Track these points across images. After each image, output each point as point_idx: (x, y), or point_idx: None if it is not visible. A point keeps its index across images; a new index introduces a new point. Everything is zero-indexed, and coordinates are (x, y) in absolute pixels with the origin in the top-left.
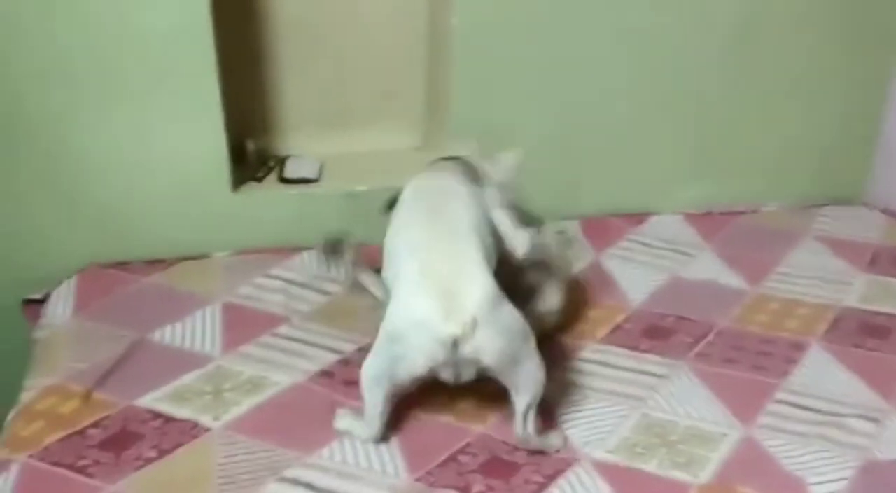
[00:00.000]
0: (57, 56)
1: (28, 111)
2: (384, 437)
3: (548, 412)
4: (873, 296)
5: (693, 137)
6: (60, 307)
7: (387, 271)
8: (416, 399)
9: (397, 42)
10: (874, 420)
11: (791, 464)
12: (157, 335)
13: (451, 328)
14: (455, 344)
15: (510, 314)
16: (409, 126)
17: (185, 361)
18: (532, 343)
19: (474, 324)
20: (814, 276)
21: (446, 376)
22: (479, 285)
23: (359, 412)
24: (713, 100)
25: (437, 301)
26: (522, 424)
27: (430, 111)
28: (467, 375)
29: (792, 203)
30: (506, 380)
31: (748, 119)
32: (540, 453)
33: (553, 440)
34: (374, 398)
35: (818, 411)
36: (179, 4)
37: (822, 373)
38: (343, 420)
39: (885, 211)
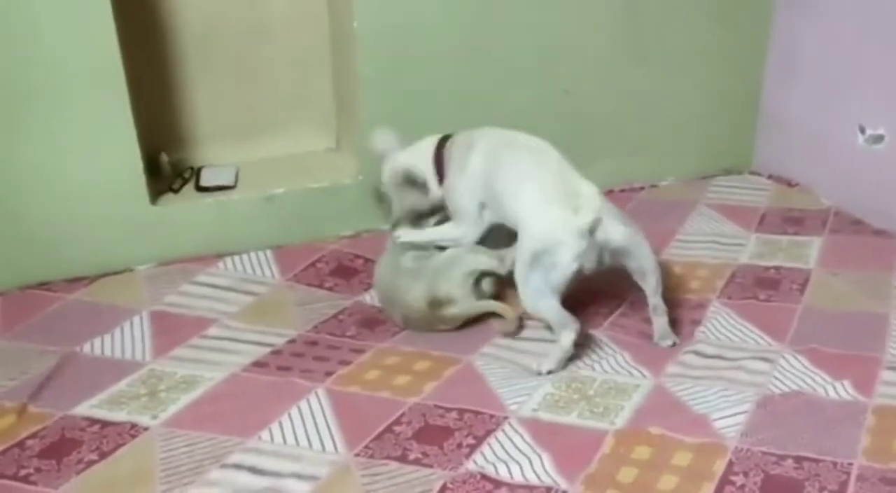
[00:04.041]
0: None
1: None
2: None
3: (474, 374)
4: (764, 253)
5: (591, 124)
6: None
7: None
8: (354, 378)
9: (302, 48)
10: (768, 360)
11: (696, 405)
12: (86, 348)
13: (585, 218)
14: (591, 231)
15: (616, 208)
16: (321, 129)
17: (117, 369)
18: (641, 233)
19: (600, 210)
20: (710, 240)
21: (589, 265)
22: (588, 184)
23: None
24: (606, 88)
25: (565, 205)
26: (661, 316)
27: (340, 113)
28: (605, 260)
29: (687, 176)
30: (632, 263)
31: (641, 102)
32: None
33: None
34: (553, 308)
35: (720, 357)
36: (85, 29)
37: (722, 325)
38: (548, 364)
39: (770, 177)
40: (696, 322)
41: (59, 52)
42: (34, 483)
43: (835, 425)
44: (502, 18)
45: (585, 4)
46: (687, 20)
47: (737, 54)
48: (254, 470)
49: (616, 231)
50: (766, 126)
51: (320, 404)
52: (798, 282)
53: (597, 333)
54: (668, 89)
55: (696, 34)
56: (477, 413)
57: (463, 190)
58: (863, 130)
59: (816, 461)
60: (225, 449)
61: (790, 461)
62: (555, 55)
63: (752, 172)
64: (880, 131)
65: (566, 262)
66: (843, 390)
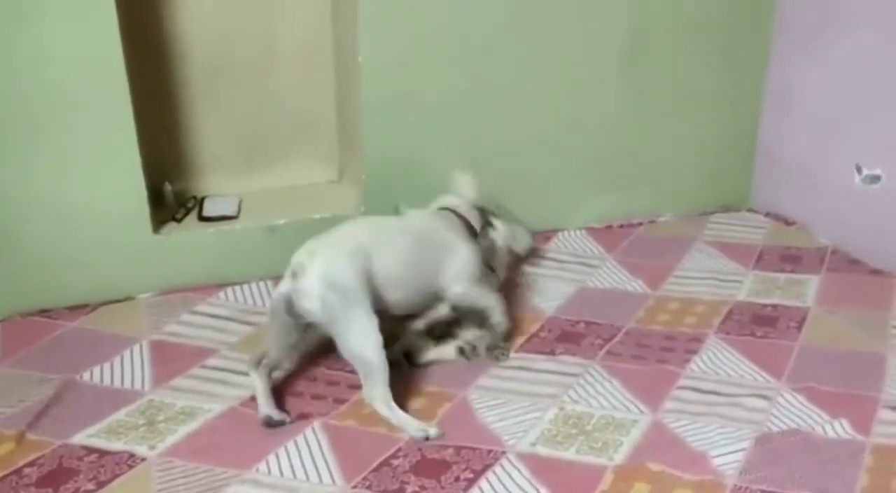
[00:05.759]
0: None
1: None
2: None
3: (468, 410)
4: (761, 290)
5: (591, 159)
6: None
7: None
8: (352, 411)
9: (306, 81)
10: (766, 397)
11: (695, 441)
12: (86, 376)
13: (297, 257)
14: (295, 274)
15: (345, 279)
16: (324, 161)
17: (116, 398)
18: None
19: (312, 256)
20: (707, 277)
21: (288, 309)
22: (330, 252)
23: None
24: (607, 123)
25: (301, 252)
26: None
27: (343, 146)
28: (303, 313)
29: (685, 213)
30: (335, 337)
31: (640, 139)
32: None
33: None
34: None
35: (717, 393)
36: (93, 57)
37: (718, 360)
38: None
39: (767, 214)
40: (692, 352)
41: (66, 80)
42: None
43: (833, 464)
44: (505, 54)
45: (586, 42)
46: (686, 59)
47: (735, 92)
48: None
49: (316, 294)
50: (764, 164)
51: (317, 437)
52: (795, 320)
53: (592, 363)
54: (667, 126)
55: (696, 72)
56: (474, 449)
57: None
58: (859, 170)
59: None
60: (222, 481)
61: None
62: (556, 90)
63: (750, 210)
64: (876, 171)
65: (277, 294)
66: (840, 429)
